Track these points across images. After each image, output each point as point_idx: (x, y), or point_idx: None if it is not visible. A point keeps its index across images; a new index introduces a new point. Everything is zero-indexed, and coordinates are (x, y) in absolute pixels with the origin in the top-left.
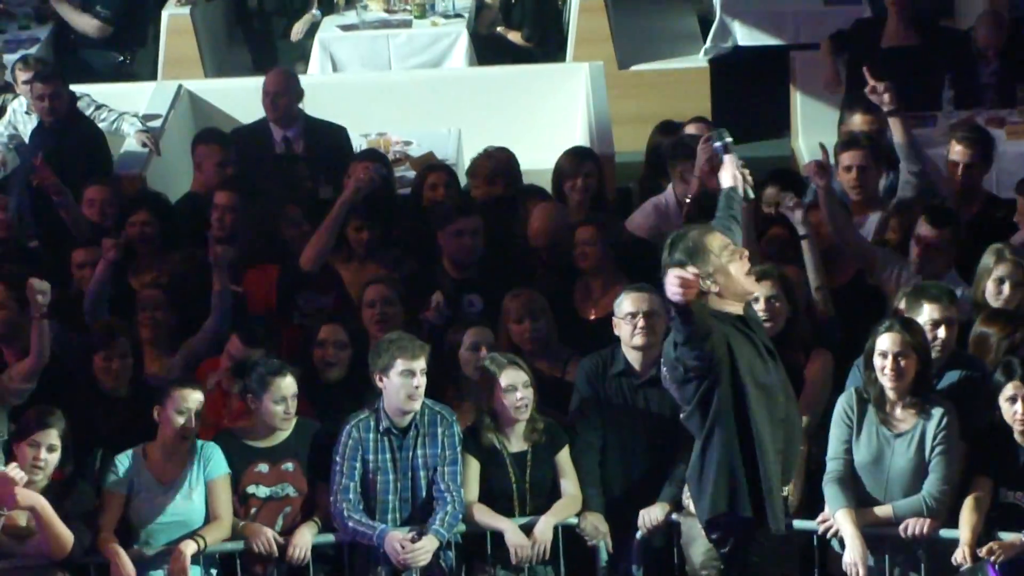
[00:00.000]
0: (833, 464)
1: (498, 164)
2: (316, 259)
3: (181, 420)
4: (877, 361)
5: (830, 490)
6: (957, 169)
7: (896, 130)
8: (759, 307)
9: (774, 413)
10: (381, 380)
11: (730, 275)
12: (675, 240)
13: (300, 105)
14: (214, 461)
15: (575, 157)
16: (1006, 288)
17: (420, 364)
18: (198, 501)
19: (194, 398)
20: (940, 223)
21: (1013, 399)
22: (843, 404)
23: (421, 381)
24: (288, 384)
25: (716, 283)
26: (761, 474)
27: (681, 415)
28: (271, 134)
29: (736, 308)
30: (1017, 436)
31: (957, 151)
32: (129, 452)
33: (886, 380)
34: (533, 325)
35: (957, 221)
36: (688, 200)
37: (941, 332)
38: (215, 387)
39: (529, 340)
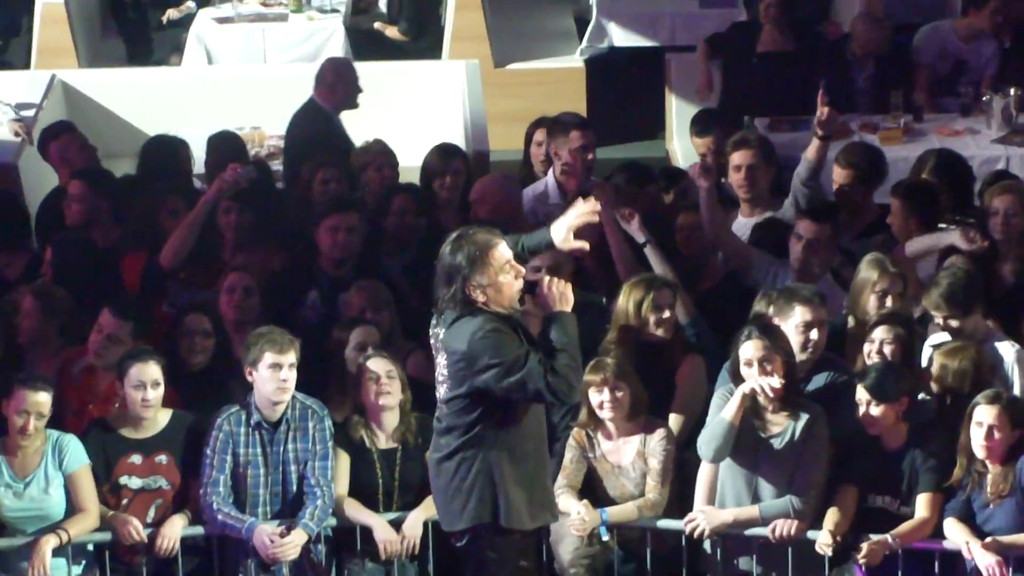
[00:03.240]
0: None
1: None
2: (175, 256)
3: (19, 422)
4: (744, 371)
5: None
6: (842, 189)
7: (813, 150)
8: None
9: (538, 416)
10: (251, 373)
11: (501, 291)
12: (460, 240)
13: None
14: (71, 454)
15: (443, 154)
16: (889, 301)
17: (289, 358)
18: (56, 495)
19: (34, 400)
20: (821, 219)
21: (859, 402)
22: (718, 400)
23: (290, 375)
24: (146, 371)
25: (485, 294)
26: (516, 479)
27: (439, 425)
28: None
29: (502, 310)
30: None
31: (842, 174)
32: None
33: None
34: (375, 317)
35: (837, 219)
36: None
37: (814, 334)
38: (81, 373)
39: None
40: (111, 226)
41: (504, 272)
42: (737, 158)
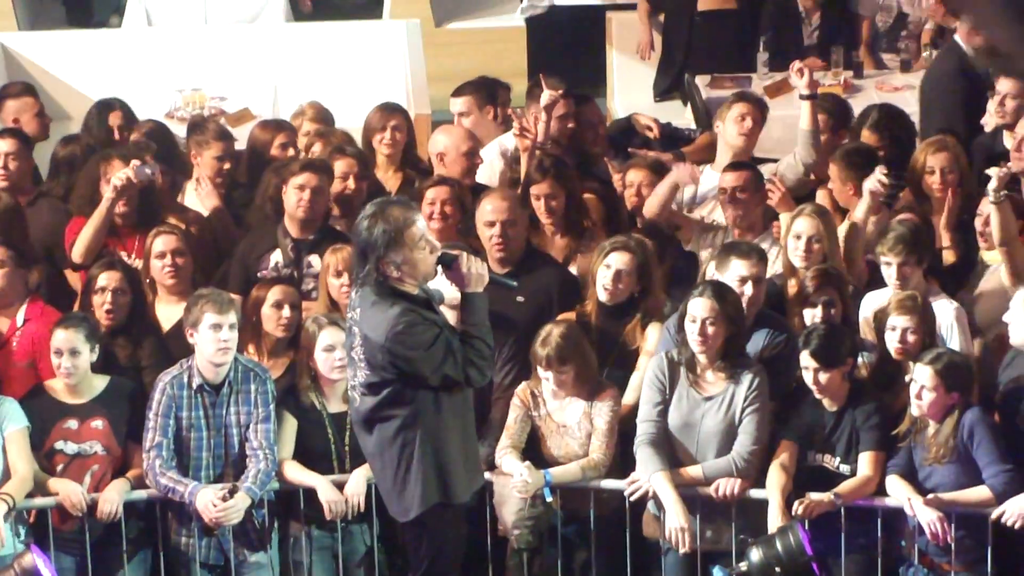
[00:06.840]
0: (645, 427)
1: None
2: (86, 254)
3: None
4: (687, 325)
5: (643, 453)
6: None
7: (805, 116)
8: (607, 278)
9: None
10: (192, 335)
11: (416, 267)
12: (375, 216)
13: None
14: (8, 415)
15: (382, 111)
16: (801, 244)
17: (229, 319)
18: None
19: None
20: (737, 168)
21: (806, 368)
22: (654, 368)
23: (230, 335)
24: (59, 338)
25: (400, 271)
26: (454, 450)
27: (361, 415)
28: None
29: (414, 289)
30: (825, 400)
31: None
32: None
33: (694, 345)
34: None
35: (755, 168)
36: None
37: (748, 289)
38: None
39: (346, 295)
40: (30, 188)
41: (419, 248)
42: (740, 108)
